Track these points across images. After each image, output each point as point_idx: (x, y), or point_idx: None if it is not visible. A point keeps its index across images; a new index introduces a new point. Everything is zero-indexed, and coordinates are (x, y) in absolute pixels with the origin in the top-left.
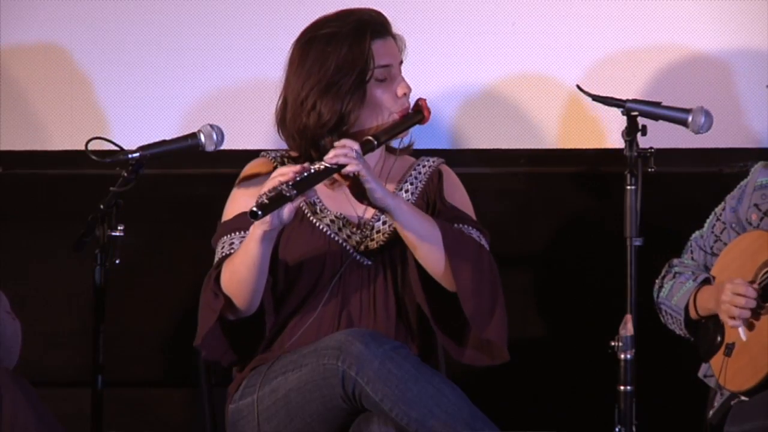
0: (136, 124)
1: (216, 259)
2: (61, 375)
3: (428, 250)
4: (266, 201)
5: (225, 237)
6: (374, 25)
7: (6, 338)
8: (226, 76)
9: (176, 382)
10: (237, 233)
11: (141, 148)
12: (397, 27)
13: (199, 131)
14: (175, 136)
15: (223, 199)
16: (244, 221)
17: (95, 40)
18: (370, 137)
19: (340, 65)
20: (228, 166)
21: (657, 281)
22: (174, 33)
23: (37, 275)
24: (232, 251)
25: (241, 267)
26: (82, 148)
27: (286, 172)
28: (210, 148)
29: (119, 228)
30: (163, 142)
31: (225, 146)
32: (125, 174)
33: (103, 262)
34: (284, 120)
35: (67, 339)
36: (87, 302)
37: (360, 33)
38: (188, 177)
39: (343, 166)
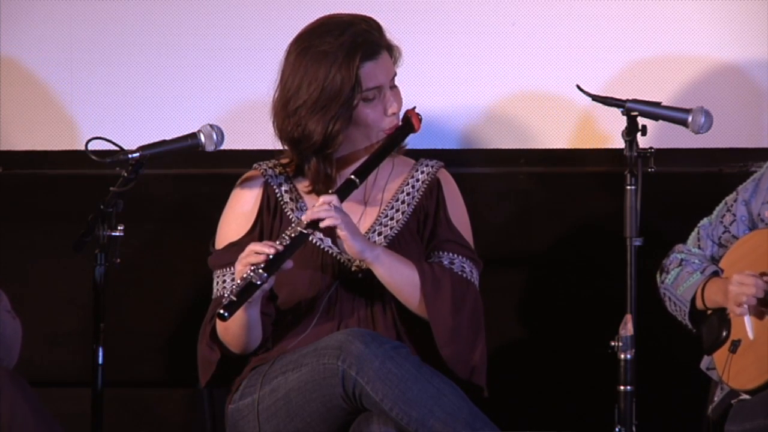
0: (136, 124)
1: (213, 294)
2: (61, 375)
3: (408, 295)
4: (234, 298)
5: (218, 271)
6: (366, 46)
7: (6, 337)
8: (227, 76)
9: (176, 382)
10: (228, 269)
11: (141, 148)
12: (396, 28)
13: (199, 131)
14: (175, 136)
15: (223, 199)
16: (233, 254)
17: (95, 40)
18: (352, 176)
19: (328, 87)
20: (228, 166)
21: (662, 264)
22: (175, 33)
23: (37, 275)
24: (224, 291)
25: (233, 326)
26: (82, 148)
27: (260, 252)
28: (210, 148)
29: (119, 228)
30: (163, 142)
31: (225, 146)
32: (125, 174)
33: (103, 262)
34: (277, 115)
35: (67, 339)
36: (87, 302)
37: (350, 56)
38: (188, 177)
39: (320, 221)
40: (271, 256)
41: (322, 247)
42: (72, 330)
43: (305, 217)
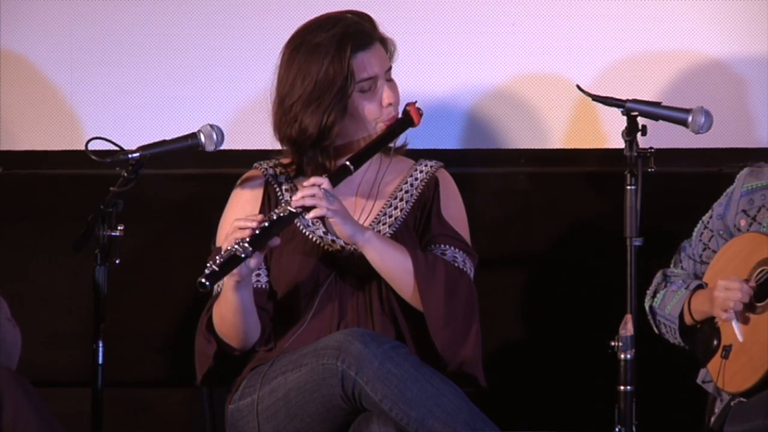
0: (136, 124)
1: (213, 292)
2: (61, 375)
3: (400, 281)
4: (216, 268)
5: None
6: (357, 37)
7: (6, 344)
8: (227, 76)
9: (176, 382)
10: None
11: (141, 148)
12: (395, 27)
13: (199, 131)
14: (175, 136)
15: (223, 199)
16: None
17: (96, 39)
18: (346, 163)
19: (321, 80)
20: (228, 166)
21: (649, 291)
22: (175, 33)
23: (37, 275)
24: (221, 288)
25: (227, 313)
26: (83, 148)
27: (244, 227)
28: (210, 148)
29: (119, 228)
30: (163, 142)
31: (225, 146)
32: (125, 174)
33: (103, 262)
34: (274, 116)
35: (67, 339)
36: (87, 302)
37: (341, 47)
38: (188, 177)
39: (311, 208)
40: (257, 231)
41: (321, 245)
42: (72, 330)
43: (295, 199)
